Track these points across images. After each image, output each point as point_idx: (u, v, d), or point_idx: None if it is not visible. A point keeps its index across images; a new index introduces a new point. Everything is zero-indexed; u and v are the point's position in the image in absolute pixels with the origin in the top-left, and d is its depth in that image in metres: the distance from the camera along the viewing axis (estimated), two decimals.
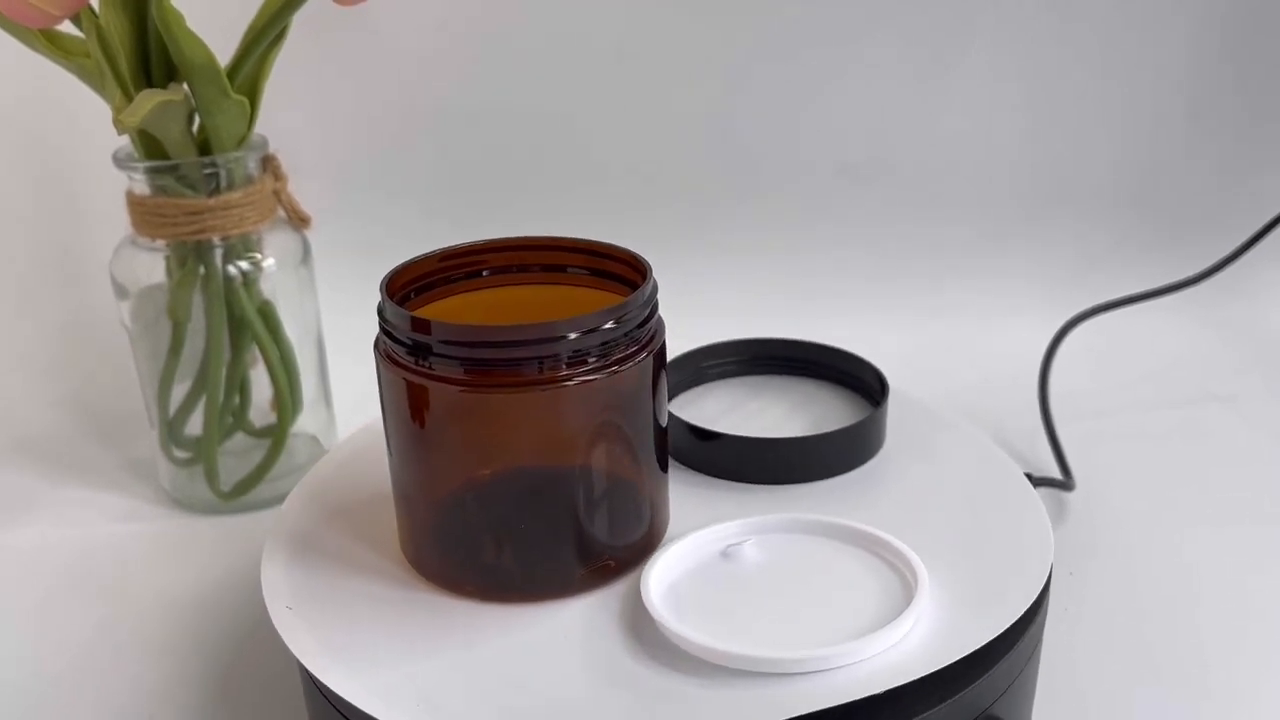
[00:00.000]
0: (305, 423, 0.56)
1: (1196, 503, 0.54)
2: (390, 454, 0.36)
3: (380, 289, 0.35)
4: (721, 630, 0.33)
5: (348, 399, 0.59)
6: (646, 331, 0.35)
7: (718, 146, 0.72)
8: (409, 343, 0.33)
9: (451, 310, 0.38)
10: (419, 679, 0.32)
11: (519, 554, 0.35)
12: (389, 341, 0.34)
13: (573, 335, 0.32)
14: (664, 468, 0.38)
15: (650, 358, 0.34)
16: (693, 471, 0.43)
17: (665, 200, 0.72)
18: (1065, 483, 0.53)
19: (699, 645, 0.32)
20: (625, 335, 0.34)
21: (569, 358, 0.33)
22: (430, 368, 0.33)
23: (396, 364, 0.34)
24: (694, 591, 0.35)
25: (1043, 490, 0.51)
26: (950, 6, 0.69)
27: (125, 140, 0.50)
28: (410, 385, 0.33)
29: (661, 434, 0.37)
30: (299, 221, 0.54)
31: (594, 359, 0.33)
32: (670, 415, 0.42)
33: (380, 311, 0.34)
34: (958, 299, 0.74)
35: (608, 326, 0.33)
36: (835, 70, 0.70)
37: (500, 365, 0.32)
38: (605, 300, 0.35)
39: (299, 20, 0.48)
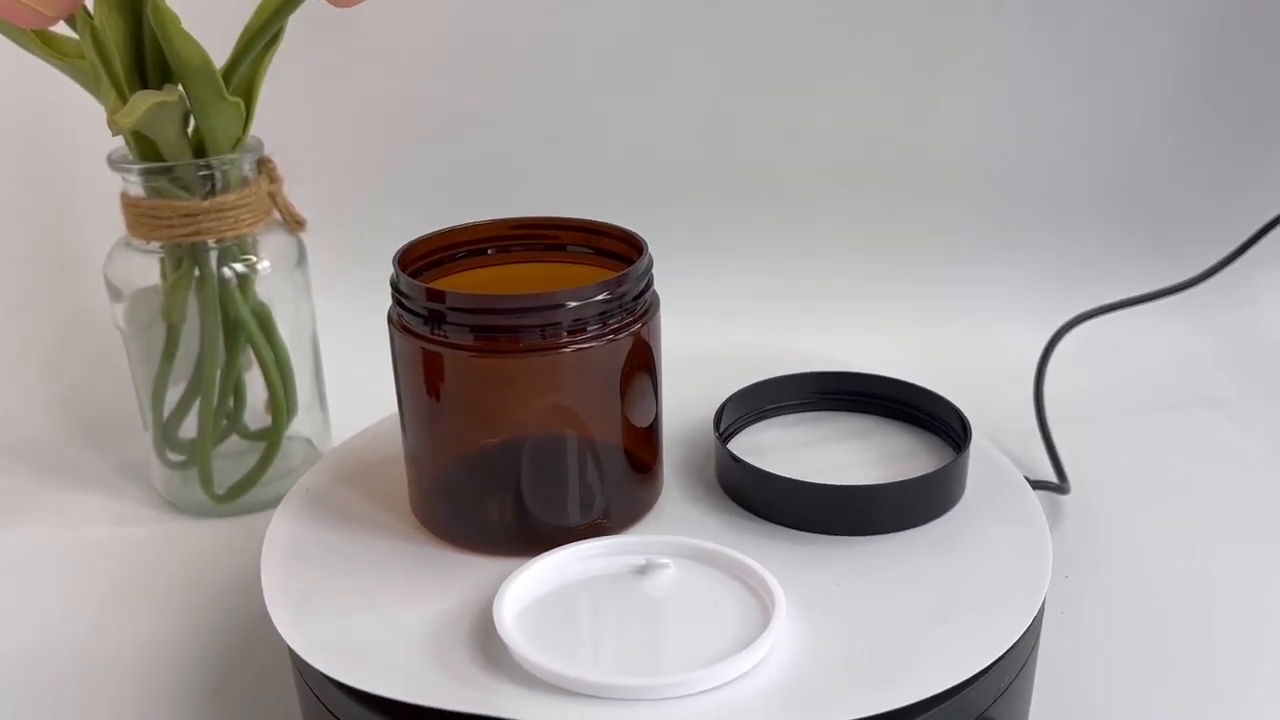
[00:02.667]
0: (300, 425, 0.56)
1: (1190, 506, 0.54)
2: (402, 420, 0.38)
3: (393, 263, 0.37)
4: (560, 648, 0.32)
5: (343, 401, 0.59)
6: (642, 304, 0.37)
7: (713, 150, 0.72)
8: (424, 313, 0.35)
9: (459, 284, 0.41)
10: (360, 628, 0.34)
11: (518, 512, 0.37)
12: (404, 312, 0.36)
13: (572, 304, 0.35)
14: (657, 436, 0.40)
15: (645, 328, 0.37)
16: (743, 512, 0.40)
17: (661, 203, 0.72)
18: (1060, 486, 0.53)
19: (530, 661, 0.32)
20: (621, 307, 0.36)
21: (569, 326, 0.35)
22: (444, 335, 0.35)
23: (411, 333, 0.36)
24: (557, 608, 0.35)
25: (1038, 493, 0.51)
26: (944, 15, 0.69)
27: (120, 142, 0.50)
28: (425, 353, 0.36)
29: (655, 404, 0.39)
30: (294, 224, 0.54)
31: (592, 328, 0.35)
32: (726, 451, 0.40)
33: (394, 284, 0.37)
34: (954, 303, 0.74)
35: (605, 297, 0.35)
36: (830, 77, 0.70)
37: (506, 332, 0.35)
38: (603, 275, 0.37)
39: (295, 22, 0.48)
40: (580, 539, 0.37)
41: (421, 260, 0.40)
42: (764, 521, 0.39)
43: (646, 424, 0.39)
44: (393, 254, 0.38)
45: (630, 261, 0.38)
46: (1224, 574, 0.48)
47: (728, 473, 0.41)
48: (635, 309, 0.37)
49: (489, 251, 0.41)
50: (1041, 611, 0.36)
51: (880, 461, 0.42)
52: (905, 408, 0.44)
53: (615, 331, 0.36)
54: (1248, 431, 0.61)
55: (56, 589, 0.50)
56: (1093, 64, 0.71)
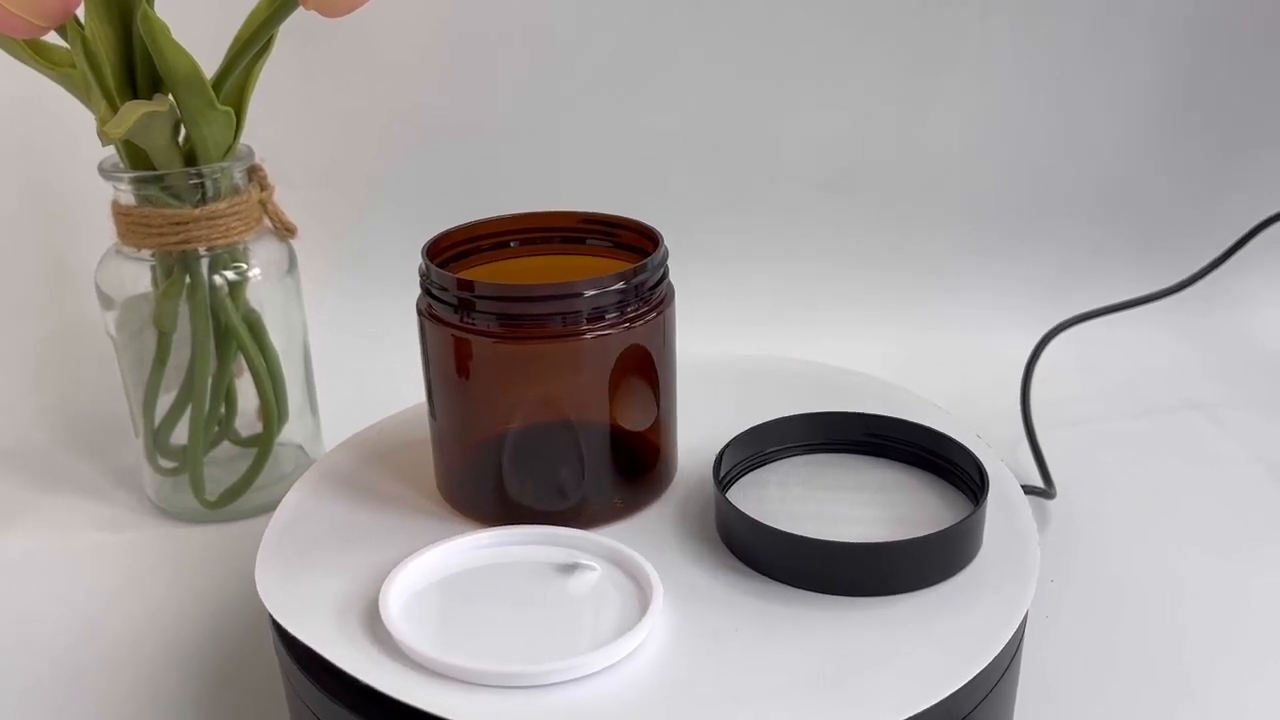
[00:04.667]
0: (291, 432, 0.56)
1: (1175, 511, 0.54)
2: (431, 404, 0.40)
3: (422, 254, 0.39)
4: (445, 634, 0.34)
5: (334, 407, 0.59)
6: (658, 294, 0.39)
7: (702, 157, 0.72)
8: (454, 302, 0.37)
9: (483, 276, 0.42)
10: (324, 577, 0.37)
11: (539, 492, 0.39)
12: (433, 302, 0.38)
13: (591, 293, 0.37)
14: (671, 423, 0.41)
15: (660, 317, 0.39)
16: (739, 564, 0.37)
17: (652, 212, 0.71)
18: (1047, 491, 0.53)
19: (412, 648, 0.33)
20: (638, 296, 0.38)
21: (589, 314, 0.37)
22: (473, 323, 0.37)
23: (441, 321, 0.38)
24: (445, 597, 0.36)
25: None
26: (933, 25, 0.69)
27: (111, 150, 0.50)
28: (454, 339, 0.38)
29: (668, 389, 0.41)
30: (285, 231, 0.54)
31: (610, 315, 0.37)
32: (726, 502, 0.38)
33: (425, 275, 0.38)
34: (942, 309, 0.74)
35: (622, 287, 0.37)
36: (819, 84, 0.70)
37: (530, 320, 0.37)
38: (620, 267, 0.39)
39: (285, 31, 0.48)
40: (594, 519, 0.39)
41: (448, 252, 0.41)
42: (758, 575, 0.37)
43: (662, 410, 0.40)
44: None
45: (646, 253, 0.40)
46: (1207, 579, 0.48)
47: (726, 523, 0.38)
48: (651, 298, 0.39)
49: (512, 244, 0.43)
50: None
51: (891, 518, 0.39)
52: (918, 451, 0.41)
53: (632, 320, 0.38)
54: (1232, 436, 0.61)
55: (48, 594, 0.50)
56: (1078, 71, 0.71)
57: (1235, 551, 0.50)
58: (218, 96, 0.47)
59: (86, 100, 0.48)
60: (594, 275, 0.37)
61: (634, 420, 0.40)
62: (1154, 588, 0.48)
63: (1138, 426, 0.63)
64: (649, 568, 0.36)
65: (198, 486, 0.54)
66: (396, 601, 0.35)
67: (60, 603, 0.49)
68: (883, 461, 0.42)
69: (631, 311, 0.38)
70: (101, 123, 0.45)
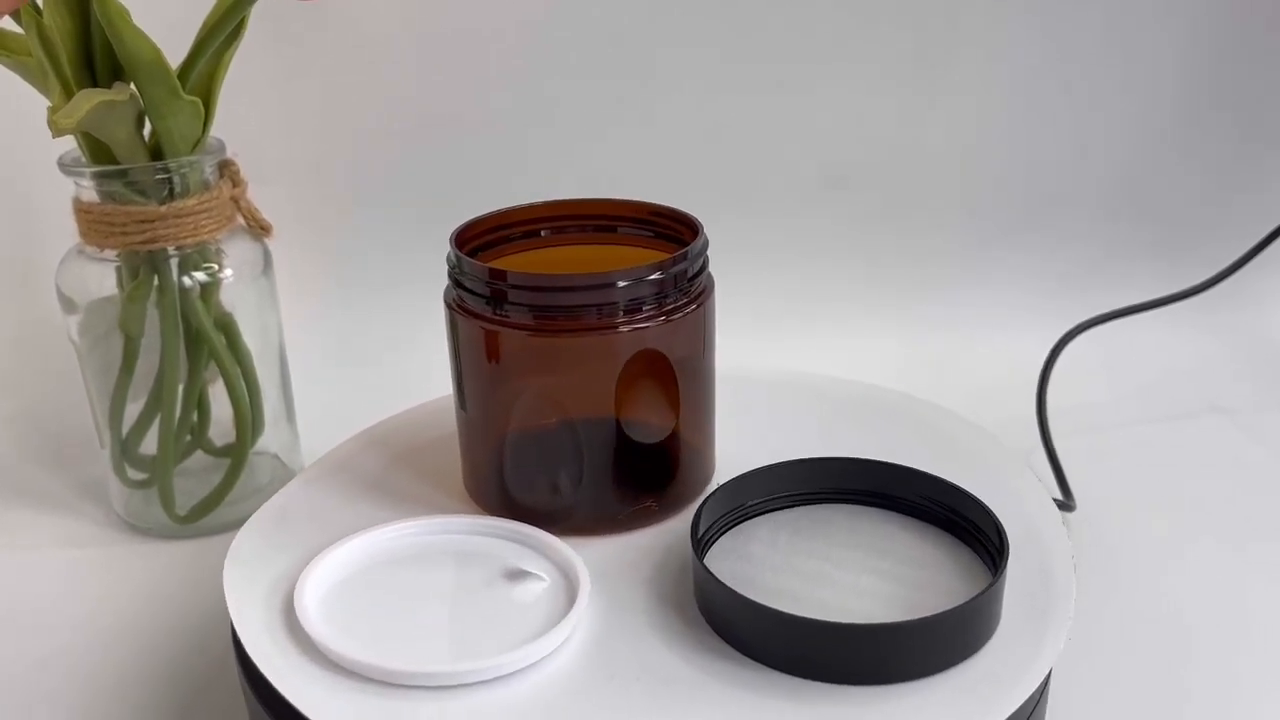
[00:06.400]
0: (268, 441, 0.54)
1: (1200, 521, 0.52)
2: (461, 399, 0.40)
3: (450, 243, 0.38)
4: (354, 630, 0.34)
5: (313, 415, 0.57)
6: (698, 285, 0.38)
7: (704, 156, 0.70)
8: (486, 293, 0.37)
9: (513, 267, 0.41)
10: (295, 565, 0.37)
11: (568, 491, 0.39)
12: (463, 294, 0.37)
13: (627, 284, 0.36)
14: (708, 419, 0.41)
15: (700, 310, 0.38)
16: (720, 640, 0.34)
17: None
18: (1066, 503, 0.51)
19: (328, 648, 0.32)
20: (677, 287, 0.37)
21: (625, 305, 0.36)
22: (505, 315, 0.36)
23: (471, 314, 0.37)
24: (365, 592, 0.36)
25: None
26: (941, 15, 0.68)
27: (74, 144, 0.48)
28: (485, 332, 0.37)
29: (707, 385, 0.40)
30: (259, 230, 0.52)
31: (647, 308, 0.36)
32: (703, 569, 0.34)
33: (455, 266, 0.38)
34: (954, 309, 0.72)
35: (659, 277, 0.36)
36: (824, 80, 0.69)
37: (565, 311, 0.36)
38: (656, 257, 0.38)
39: (260, 16, 0.46)
40: (628, 522, 0.39)
41: (474, 242, 0.41)
42: (741, 656, 0.33)
43: (700, 406, 0.40)
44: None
45: (682, 243, 0.39)
46: (1241, 594, 0.47)
47: (703, 590, 0.34)
48: (691, 290, 0.38)
49: (542, 233, 0.43)
50: None
51: (890, 592, 0.35)
52: (928, 505, 0.37)
53: (670, 313, 0.37)
54: (1260, 441, 0.59)
55: (9, 614, 0.48)
56: (1096, 63, 0.69)
57: (1268, 563, 0.49)
58: (184, 85, 0.45)
59: (45, 90, 0.46)
60: (629, 265, 0.36)
61: (671, 418, 0.39)
62: (1184, 605, 0.46)
63: (1161, 432, 0.61)
64: (583, 574, 0.35)
65: (167, 500, 0.52)
66: (314, 592, 0.35)
67: (22, 623, 0.47)
68: (886, 514, 0.38)
69: (670, 304, 0.37)
70: (52, 113, 0.43)
